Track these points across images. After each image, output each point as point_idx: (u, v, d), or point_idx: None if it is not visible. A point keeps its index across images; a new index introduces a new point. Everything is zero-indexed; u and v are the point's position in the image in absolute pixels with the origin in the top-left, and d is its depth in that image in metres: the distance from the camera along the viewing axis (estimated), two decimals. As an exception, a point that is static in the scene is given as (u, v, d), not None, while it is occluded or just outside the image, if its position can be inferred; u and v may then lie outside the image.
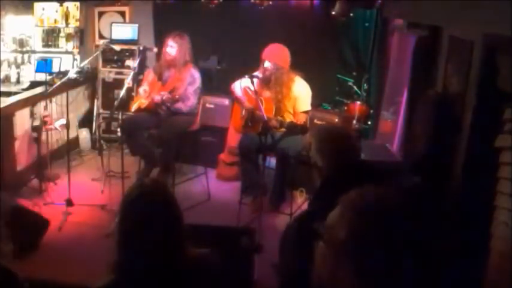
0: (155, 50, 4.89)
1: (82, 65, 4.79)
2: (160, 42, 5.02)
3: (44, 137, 4.77)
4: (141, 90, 4.72)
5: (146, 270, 1.59)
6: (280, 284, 1.92)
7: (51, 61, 5.09)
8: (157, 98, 4.53)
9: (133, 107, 4.71)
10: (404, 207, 1.19)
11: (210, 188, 4.75)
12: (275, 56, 4.17)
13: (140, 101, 4.67)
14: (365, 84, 5.09)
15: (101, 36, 5.98)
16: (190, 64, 4.72)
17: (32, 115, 4.76)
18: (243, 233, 3.11)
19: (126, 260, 1.61)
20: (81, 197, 4.31)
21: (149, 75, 4.85)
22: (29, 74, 5.68)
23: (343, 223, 1.14)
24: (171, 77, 4.68)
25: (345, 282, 1.13)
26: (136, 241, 1.60)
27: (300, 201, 4.53)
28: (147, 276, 1.59)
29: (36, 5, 5.82)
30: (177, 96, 4.51)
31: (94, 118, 5.85)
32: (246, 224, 4.02)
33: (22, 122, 4.69)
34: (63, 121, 4.58)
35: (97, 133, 5.75)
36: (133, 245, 1.61)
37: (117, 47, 5.21)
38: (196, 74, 4.69)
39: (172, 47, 4.62)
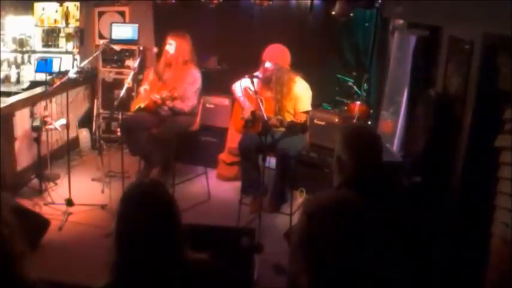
0: (155, 50, 4.89)
1: (82, 65, 4.79)
2: (160, 42, 5.02)
3: (44, 137, 4.77)
4: (141, 89, 4.72)
5: (144, 271, 1.58)
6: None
7: (51, 61, 5.10)
8: (156, 96, 4.51)
9: (133, 107, 4.70)
10: (358, 209, 1.23)
11: (210, 188, 4.75)
12: (276, 56, 4.16)
13: (140, 101, 4.66)
14: (365, 84, 5.09)
15: (101, 36, 5.98)
16: (191, 64, 4.70)
17: (32, 115, 4.76)
18: (243, 233, 3.11)
19: (124, 260, 1.61)
20: (81, 197, 4.31)
21: (149, 74, 4.84)
22: (29, 74, 5.69)
23: (298, 224, 1.23)
24: (171, 77, 4.67)
25: (300, 280, 1.19)
26: (134, 242, 1.60)
27: (300, 201, 4.53)
28: (145, 277, 1.58)
29: (36, 5, 5.82)
30: (175, 94, 4.48)
31: (94, 118, 5.85)
32: (246, 224, 4.02)
33: (22, 122, 4.69)
34: (63, 121, 4.57)
35: (97, 133, 5.74)
36: (131, 245, 1.60)
37: (117, 47, 5.21)
38: (198, 75, 4.67)
39: (170, 45, 4.61)
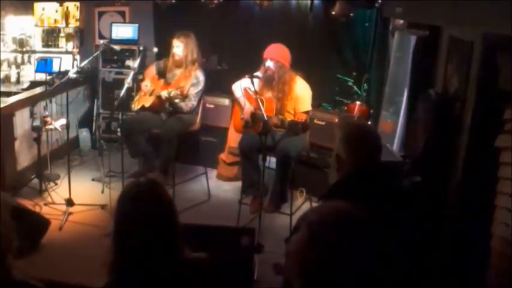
0: (155, 50, 4.87)
1: (82, 65, 4.77)
2: (160, 42, 5.00)
3: (44, 137, 4.77)
4: (143, 85, 4.67)
5: (142, 270, 1.58)
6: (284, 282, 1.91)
7: (51, 61, 5.10)
8: (164, 94, 4.43)
9: (136, 105, 4.67)
10: (359, 222, 1.20)
11: (210, 188, 4.75)
12: (277, 54, 4.16)
13: (144, 100, 4.64)
14: (365, 84, 5.09)
15: (101, 36, 5.98)
16: (197, 65, 4.66)
17: (32, 115, 4.76)
18: (243, 233, 3.12)
19: (122, 260, 1.60)
20: (81, 197, 4.31)
21: (151, 70, 4.82)
22: (29, 74, 5.69)
23: (298, 234, 1.19)
24: (177, 76, 4.64)
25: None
26: (132, 241, 1.60)
27: (300, 201, 4.53)
28: (144, 277, 1.58)
29: (36, 5, 5.83)
30: (185, 92, 4.43)
31: (94, 118, 5.85)
32: (246, 224, 4.02)
33: (22, 122, 4.69)
34: (63, 121, 4.57)
35: (97, 133, 5.74)
36: (128, 245, 1.60)
37: (117, 47, 5.20)
38: (202, 77, 4.61)
39: (178, 47, 4.58)
